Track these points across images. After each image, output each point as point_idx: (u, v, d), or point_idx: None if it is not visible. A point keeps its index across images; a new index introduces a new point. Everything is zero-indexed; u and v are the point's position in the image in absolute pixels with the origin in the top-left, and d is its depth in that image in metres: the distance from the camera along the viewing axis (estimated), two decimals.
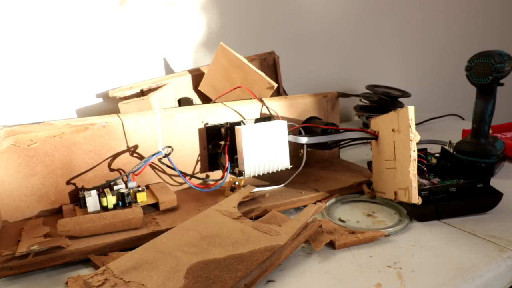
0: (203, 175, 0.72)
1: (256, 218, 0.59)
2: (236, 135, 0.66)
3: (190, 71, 0.90)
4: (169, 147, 0.64)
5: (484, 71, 0.71)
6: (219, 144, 0.70)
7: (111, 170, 0.65)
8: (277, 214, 0.59)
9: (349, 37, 1.31)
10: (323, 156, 0.85)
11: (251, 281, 0.44)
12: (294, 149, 0.76)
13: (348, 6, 1.28)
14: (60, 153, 0.60)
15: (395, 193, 0.61)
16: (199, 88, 0.86)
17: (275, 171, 0.68)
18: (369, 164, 0.76)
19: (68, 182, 0.62)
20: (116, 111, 0.75)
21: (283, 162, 0.68)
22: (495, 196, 0.63)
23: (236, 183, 0.68)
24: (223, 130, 0.70)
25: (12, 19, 0.78)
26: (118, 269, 0.43)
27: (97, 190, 0.59)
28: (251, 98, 0.75)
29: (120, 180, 0.62)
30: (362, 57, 1.36)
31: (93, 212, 0.58)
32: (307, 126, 0.75)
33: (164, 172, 0.69)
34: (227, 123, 0.70)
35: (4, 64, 0.78)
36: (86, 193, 0.58)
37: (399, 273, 0.49)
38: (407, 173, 0.57)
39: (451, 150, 0.79)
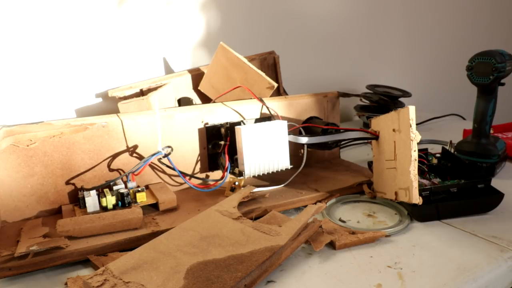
0: (203, 175, 0.72)
1: (256, 218, 0.58)
2: (236, 135, 0.66)
3: (190, 71, 0.90)
4: (169, 147, 0.64)
5: (485, 71, 0.71)
6: (219, 144, 0.69)
7: (111, 170, 0.64)
8: (277, 214, 0.59)
9: (350, 37, 1.31)
10: (323, 156, 0.85)
11: (251, 282, 0.44)
12: (294, 149, 0.76)
13: (348, 5, 1.28)
14: (59, 153, 0.60)
15: (396, 193, 0.61)
16: (199, 88, 0.85)
17: (275, 171, 0.68)
18: (370, 164, 0.75)
19: (67, 182, 0.62)
20: (116, 111, 0.75)
21: (283, 162, 0.68)
22: (496, 197, 0.62)
23: (236, 183, 0.67)
24: (223, 130, 0.70)
25: (11, 19, 0.78)
26: (117, 270, 0.43)
27: (96, 190, 0.59)
28: (251, 98, 0.75)
29: (120, 180, 0.62)
30: (362, 56, 1.36)
31: (93, 213, 0.57)
32: (307, 126, 0.75)
33: (163, 172, 0.68)
34: (227, 123, 0.70)
35: (4, 64, 0.78)
36: (85, 193, 0.58)
37: (400, 273, 0.48)
38: (408, 173, 0.57)
39: (452, 150, 0.78)
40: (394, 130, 0.62)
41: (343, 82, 1.33)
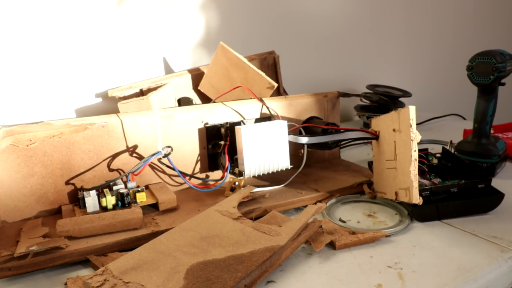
0: (203, 175, 0.72)
1: (256, 218, 0.58)
2: (236, 135, 0.66)
3: (190, 71, 0.90)
4: (169, 147, 0.64)
5: (486, 71, 0.71)
6: (219, 144, 0.69)
7: (111, 170, 0.64)
8: (277, 214, 0.59)
9: (350, 37, 1.30)
10: (324, 156, 0.85)
11: (251, 282, 0.44)
12: (294, 149, 0.76)
13: (348, 5, 1.27)
14: (59, 153, 0.60)
15: (396, 193, 0.61)
16: (199, 88, 0.85)
17: (275, 171, 0.68)
18: (370, 164, 0.75)
19: (67, 182, 0.62)
20: (116, 111, 0.75)
21: (283, 162, 0.68)
22: (497, 197, 0.62)
23: (236, 183, 0.67)
24: (223, 130, 0.70)
25: (11, 19, 0.77)
26: (117, 270, 0.43)
27: (96, 190, 0.59)
28: (251, 98, 0.75)
29: (120, 180, 0.61)
30: (362, 56, 1.36)
31: (93, 213, 0.57)
32: (307, 126, 0.75)
33: (163, 172, 0.68)
34: (227, 123, 0.70)
35: (3, 64, 0.78)
36: (85, 193, 0.58)
37: (400, 273, 0.48)
38: (408, 173, 0.57)
39: (452, 150, 0.78)
40: (394, 130, 0.62)
41: (343, 82, 1.32)
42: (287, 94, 0.98)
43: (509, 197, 0.63)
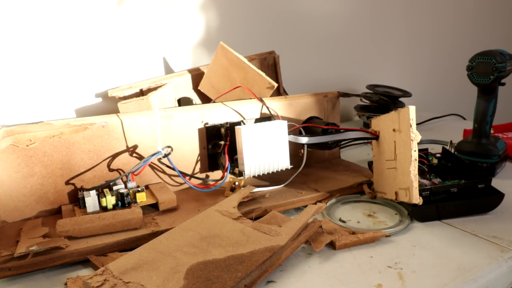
0: (203, 175, 0.72)
1: (256, 218, 0.58)
2: (236, 135, 0.66)
3: (190, 71, 0.90)
4: (169, 147, 0.64)
5: (486, 71, 0.71)
6: (219, 144, 0.69)
7: (111, 170, 0.64)
8: (277, 214, 0.59)
9: (350, 37, 1.30)
10: (324, 156, 0.85)
11: (251, 282, 0.44)
12: (294, 149, 0.76)
13: (349, 5, 1.27)
14: (59, 153, 0.60)
15: (396, 193, 0.61)
16: (199, 88, 0.85)
17: (275, 171, 0.68)
18: (370, 164, 0.75)
19: (67, 182, 0.62)
20: (116, 111, 0.75)
21: (283, 162, 0.68)
22: (497, 197, 0.62)
23: (236, 183, 0.67)
24: (223, 130, 0.70)
25: (11, 19, 0.77)
26: (117, 270, 0.43)
27: (96, 190, 0.59)
28: (251, 98, 0.75)
29: (120, 180, 0.61)
30: (362, 56, 1.36)
31: (93, 213, 0.57)
32: (307, 126, 0.75)
33: (163, 172, 0.68)
34: (227, 123, 0.70)
35: (3, 64, 0.78)
36: (85, 193, 0.58)
37: (400, 273, 0.48)
38: (408, 173, 0.57)
39: (452, 150, 0.78)
40: (394, 130, 0.62)
41: (343, 82, 1.32)
42: (287, 94, 0.98)
43: (509, 197, 0.63)
